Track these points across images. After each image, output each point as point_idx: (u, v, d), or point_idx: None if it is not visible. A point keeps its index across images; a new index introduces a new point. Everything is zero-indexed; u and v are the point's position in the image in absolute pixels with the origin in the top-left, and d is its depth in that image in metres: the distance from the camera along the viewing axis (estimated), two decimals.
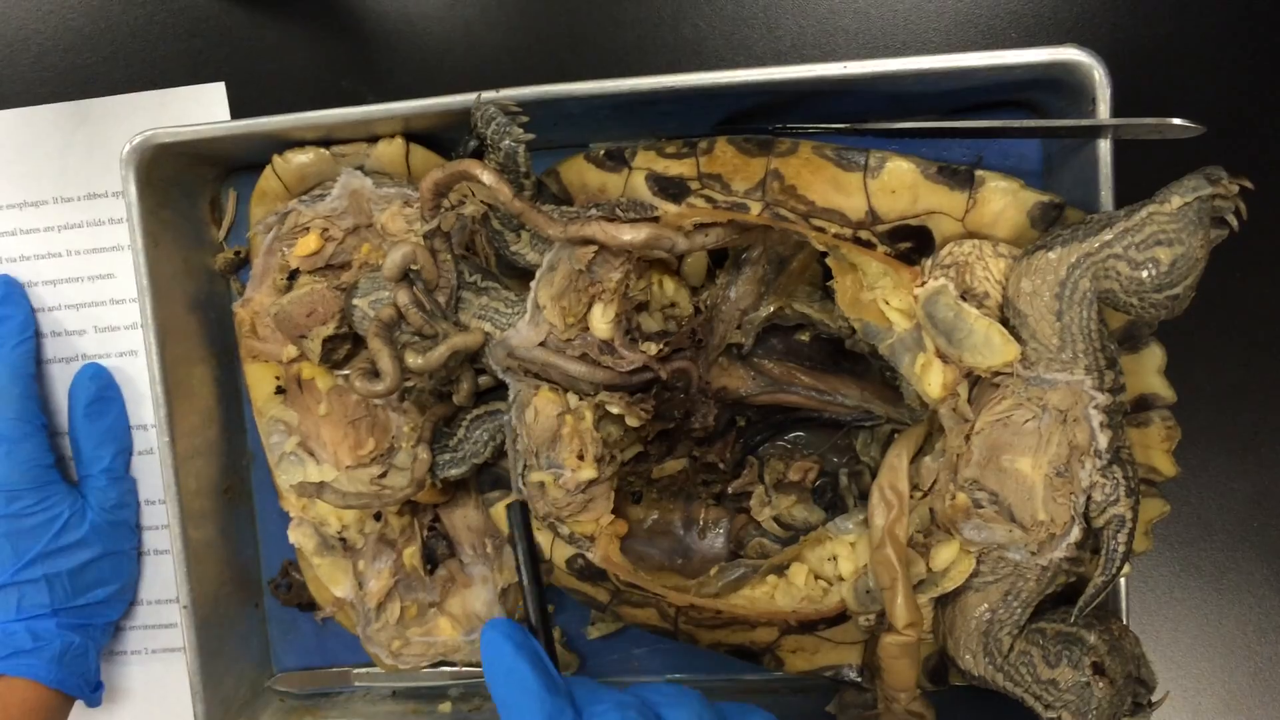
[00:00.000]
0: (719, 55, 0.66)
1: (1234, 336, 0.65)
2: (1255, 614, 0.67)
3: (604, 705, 0.42)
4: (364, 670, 0.70)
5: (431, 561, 0.67)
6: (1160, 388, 0.54)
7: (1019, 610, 0.53)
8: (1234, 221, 0.48)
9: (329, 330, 0.62)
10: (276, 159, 0.63)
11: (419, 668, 0.68)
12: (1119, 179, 0.55)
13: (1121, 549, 0.50)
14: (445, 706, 0.69)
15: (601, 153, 0.57)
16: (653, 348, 0.55)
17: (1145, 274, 0.48)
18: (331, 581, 0.67)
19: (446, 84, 0.61)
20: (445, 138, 0.62)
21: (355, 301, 0.59)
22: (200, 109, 0.70)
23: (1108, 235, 0.49)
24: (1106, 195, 0.55)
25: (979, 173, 0.52)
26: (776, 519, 0.61)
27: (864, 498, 0.57)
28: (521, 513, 0.53)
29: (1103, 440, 0.50)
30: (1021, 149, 0.62)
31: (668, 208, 0.54)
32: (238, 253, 0.68)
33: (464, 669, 0.68)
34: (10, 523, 0.65)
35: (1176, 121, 0.51)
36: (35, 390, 0.69)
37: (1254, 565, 0.67)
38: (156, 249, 0.63)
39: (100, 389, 0.70)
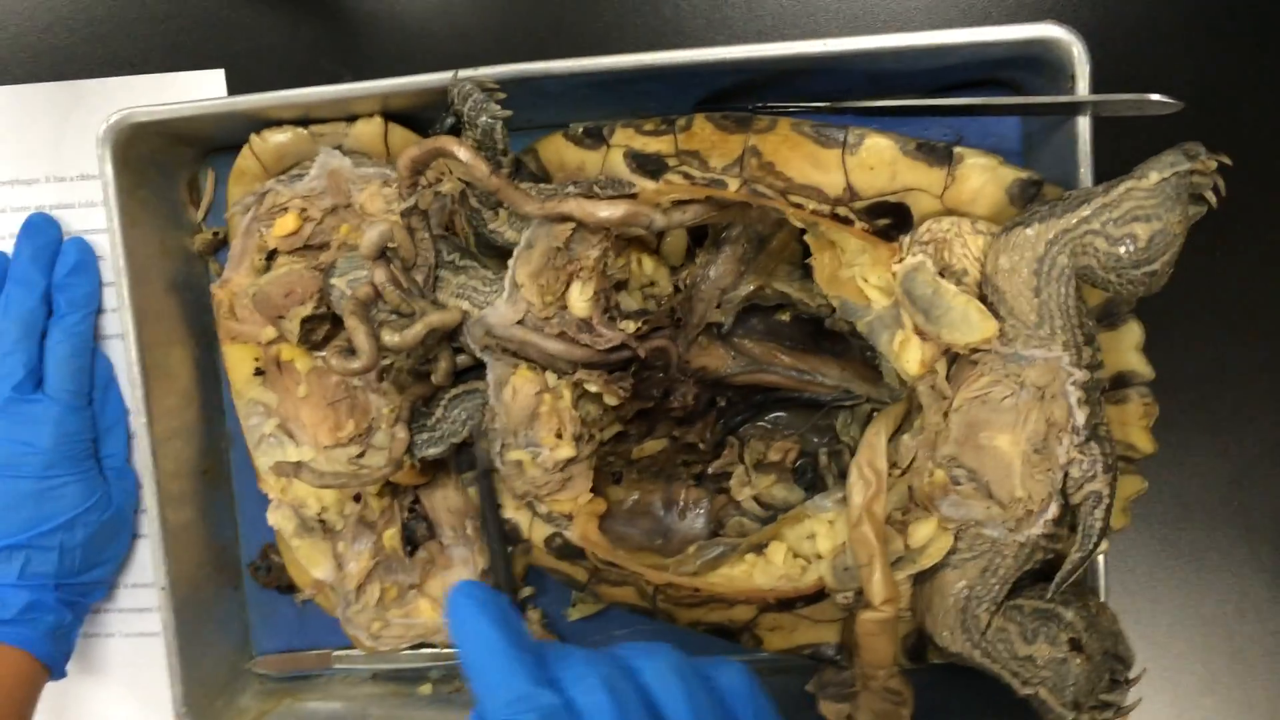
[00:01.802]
0: (699, 34, 0.66)
1: (1214, 316, 0.65)
2: (1234, 594, 0.67)
3: (573, 660, 0.41)
4: (344, 652, 0.70)
5: (411, 543, 0.67)
6: (1138, 365, 0.54)
7: (996, 587, 0.53)
8: (1212, 199, 0.48)
9: (307, 310, 0.61)
10: (254, 138, 0.62)
11: (399, 649, 0.67)
12: (1098, 157, 0.55)
13: (1099, 525, 0.50)
14: (425, 688, 0.68)
15: (580, 130, 0.56)
16: (631, 326, 0.55)
17: (1123, 250, 0.48)
18: (311, 563, 0.67)
19: (426, 64, 0.61)
20: (424, 117, 0.62)
21: (333, 281, 0.59)
22: (199, 95, 0.70)
23: (1085, 211, 0.49)
24: (1085, 173, 0.55)
25: (957, 149, 0.52)
26: (756, 499, 0.61)
27: (844, 477, 0.57)
28: (485, 481, 0.53)
29: (1080, 416, 0.50)
30: (1001, 128, 0.62)
31: (645, 184, 0.54)
32: (216, 234, 0.68)
33: (444, 650, 0.68)
34: (40, 484, 0.65)
35: (1155, 97, 0.52)
36: (89, 365, 0.68)
37: (1234, 545, 0.67)
38: (134, 229, 0.63)
39: (108, 373, 0.69)
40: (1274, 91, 0.64)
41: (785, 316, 0.61)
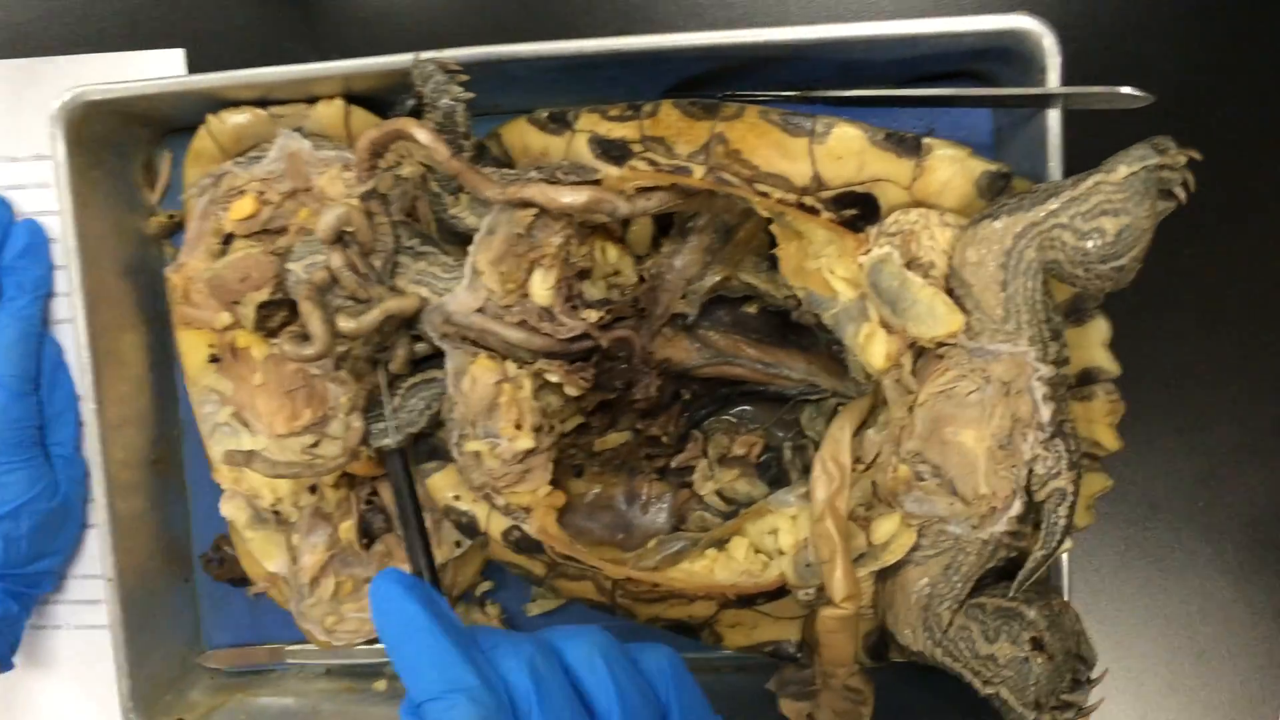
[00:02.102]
0: (669, 20, 0.65)
1: (1182, 314, 0.65)
2: (1199, 595, 0.67)
3: (499, 643, 0.41)
4: (297, 647, 0.68)
5: (368, 536, 0.65)
6: (1104, 361, 0.54)
7: (959, 585, 0.52)
8: (1181, 194, 0.48)
9: (263, 296, 0.60)
10: (211, 119, 0.61)
11: (353, 644, 0.66)
12: (1069, 152, 0.55)
13: (1062, 522, 0.50)
14: (380, 684, 0.67)
15: (545, 115, 0.55)
16: (594, 315, 0.54)
17: (1090, 244, 0.48)
18: (264, 556, 0.65)
19: (390, 47, 0.60)
20: (387, 100, 0.60)
21: (290, 265, 0.57)
22: (157, 75, 0.68)
23: (1054, 205, 0.48)
24: (1055, 166, 0.54)
25: (926, 140, 0.51)
26: (719, 493, 0.61)
27: (808, 471, 0.56)
28: (400, 459, 0.53)
29: (1045, 412, 0.49)
30: (972, 121, 0.61)
31: (609, 171, 0.53)
32: (171, 216, 0.66)
33: None
34: None
35: (1125, 90, 0.51)
36: (36, 350, 0.66)
37: (1199, 545, 0.67)
38: (86, 211, 0.61)
39: (56, 357, 0.68)
40: (1246, 89, 0.64)
41: (752, 309, 0.60)
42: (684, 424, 0.62)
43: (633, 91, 0.59)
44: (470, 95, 0.53)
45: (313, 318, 0.53)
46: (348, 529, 0.65)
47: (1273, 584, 0.67)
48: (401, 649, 0.41)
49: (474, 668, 0.39)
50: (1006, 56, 0.56)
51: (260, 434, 0.64)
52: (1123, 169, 0.47)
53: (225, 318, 0.63)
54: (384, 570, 0.43)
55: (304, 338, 0.53)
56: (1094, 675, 0.53)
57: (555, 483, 0.58)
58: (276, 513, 0.64)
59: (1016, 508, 0.50)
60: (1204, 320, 0.65)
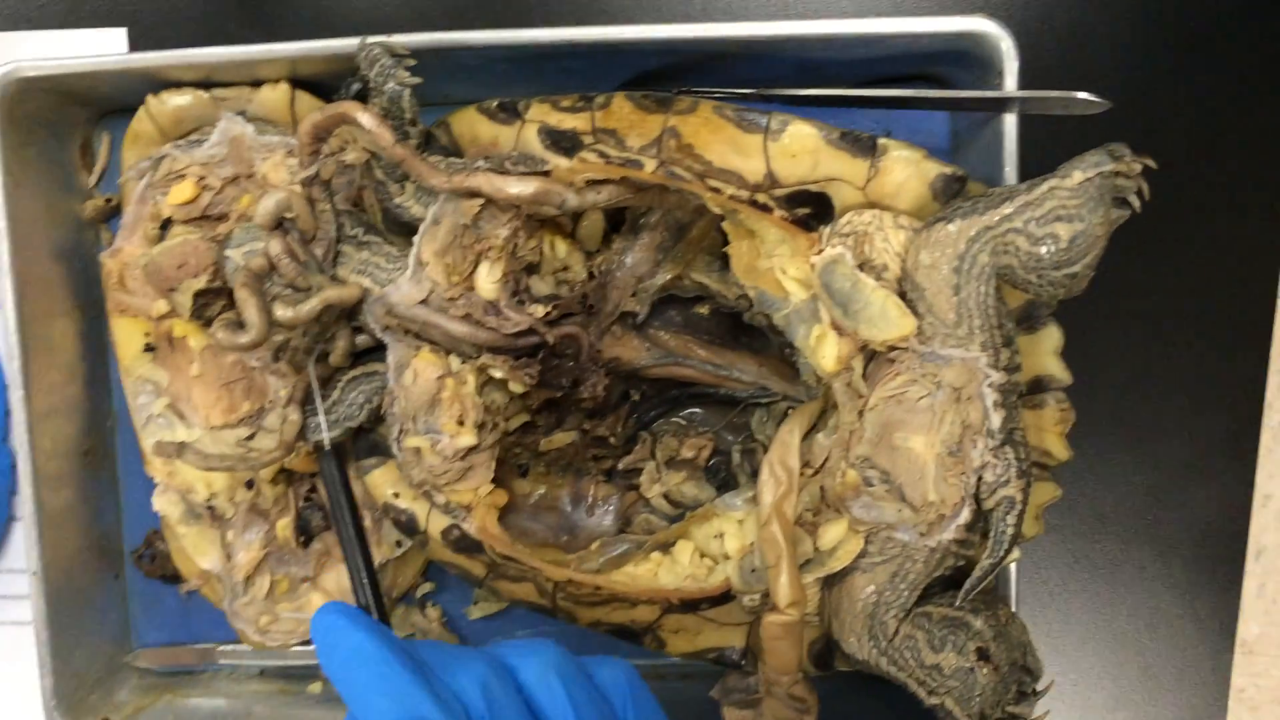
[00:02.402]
0: (626, 13, 0.64)
1: (1136, 327, 0.65)
2: (1147, 609, 0.66)
3: (449, 661, 0.39)
4: (230, 647, 0.66)
5: (306, 534, 0.64)
6: (1056, 369, 0.53)
7: (906, 592, 0.51)
8: (1136, 203, 0.47)
9: (201, 284, 0.58)
10: (151, 99, 0.59)
11: (288, 645, 0.64)
12: (1025, 158, 0.54)
13: (1010, 531, 0.49)
14: (315, 687, 0.65)
15: (494, 104, 0.54)
16: (540, 310, 0.53)
17: (1044, 250, 0.47)
18: (198, 552, 0.63)
19: (339, 31, 0.59)
20: (334, 86, 0.58)
21: (228, 252, 0.55)
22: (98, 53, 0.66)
23: (1008, 209, 0.47)
24: (1010, 172, 0.54)
25: (882, 141, 0.50)
26: (667, 496, 0.59)
27: (756, 475, 0.55)
28: (337, 464, 0.52)
29: (996, 420, 0.49)
30: (929, 125, 0.61)
31: (559, 162, 0.51)
32: (108, 200, 0.64)
33: None
34: None
35: (1082, 95, 0.51)
36: None
37: (1147, 560, 0.66)
38: (19, 191, 0.59)
39: None
40: (1200, 101, 0.64)
41: (704, 310, 0.59)
42: (632, 425, 0.61)
43: (587, 85, 0.58)
44: (417, 80, 0.51)
45: (248, 305, 0.51)
46: (285, 526, 0.63)
47: (1220, 600, 0.66)
48: (351, 680, 0.39)
49: (428, 693, 0.38)
50: (964, 60, 0.55)
51: (196, 427, 0.62)
52: (1078, 174, 0.46)
53: (161, 306, 0.61)
54: (324, 605, 0.42)
55: (239, 326, 0.52)
56: (1040, 687, 0.53)
57: (498, 482, 0.56)
58: (211, 508, 0.62)
59: (965, 515, 0.50)
60: (1156, 333, 0.65)
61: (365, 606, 0.52)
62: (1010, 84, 0.53)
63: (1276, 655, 0.68)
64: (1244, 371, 0.65)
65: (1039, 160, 0.52)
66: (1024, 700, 0.52)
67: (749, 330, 0.59)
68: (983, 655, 0.50)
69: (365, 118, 0.49)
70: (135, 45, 0.66)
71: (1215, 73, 0.64)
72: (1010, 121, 0.53)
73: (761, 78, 0.58)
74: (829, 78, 0.58)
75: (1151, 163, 0.46)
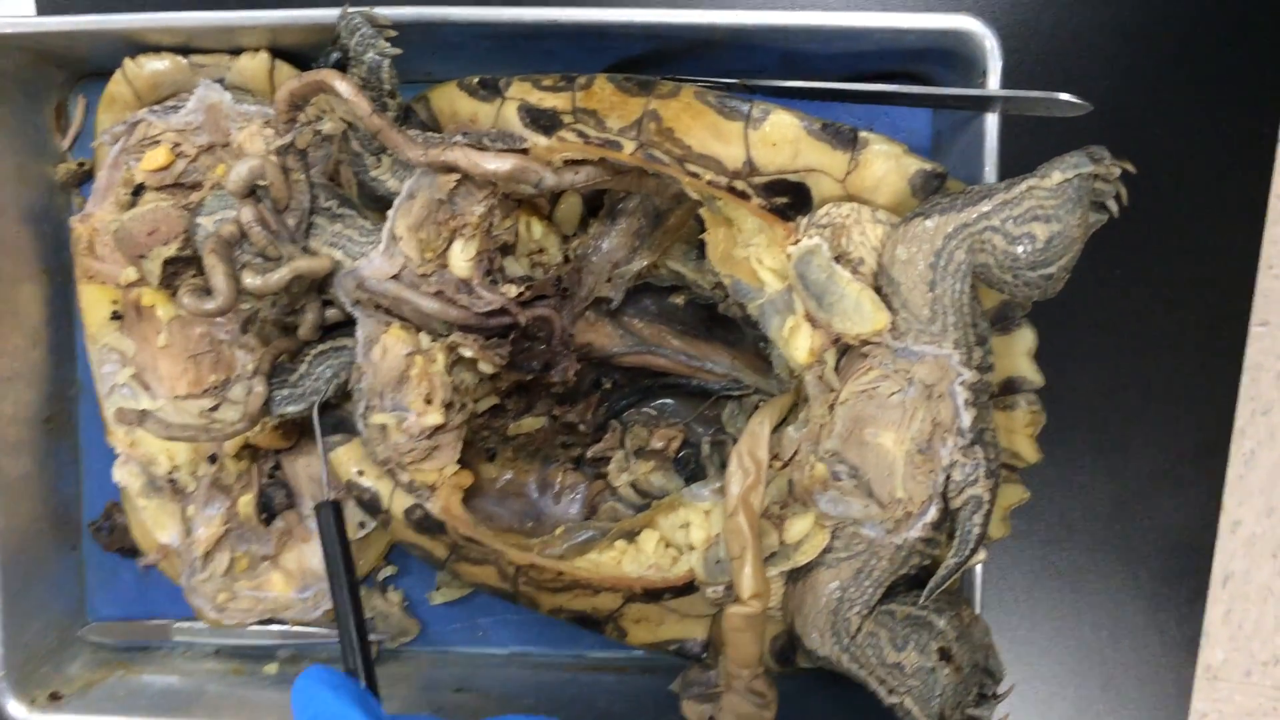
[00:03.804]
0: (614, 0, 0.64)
1: (1110, 336, 0.65)
2: (1110, 620, 0.66)
3: None
4: (186, 624, 0.65)
5: (269, 511, 0.63)
6: (1028, 371, 0.53)
7: (870, 589, 0.51)
8: (1114, 208, 0.47)
9: (171, 251, 0.57)
10: (128, 62, 0.58)
11: (245, 624, 0.63)
12: (1006, 160, 0.54)
13: (976, 530, 0.49)
14: (271, 668, 0.64)
15: (475, 81, 0.54)
16: (513, 290, 0.52)
17: (1021, 249, 0.47)
18: (157, 526, 0.62)
19: (322, 2, 0.58)
20: (315, 57, 0.58)
21: (199, 220, 0.54)
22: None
23: (986, 207, 0.47)
24: (990, 171, 0.54)
25: (863, 134, 0.50)
26: (634, 486, 0.59)
27: (725, 467, 0.55)
28: (334, 516, 0.49)
29: (966, 419, 0.48)
30: (911, 123, 0.61)
31: (538, 140, 0.51)
32: (81, 164, 0.63)
33: (294, 629, 0.64)
34: None
35: (1064, 97, 0.51)
36: None
37: (1113, 570, 0.66)
38: None
39: None
40: (1180, 111, 0.64)
41: (679, 299, 0.59)
42: (603, 413, 0.60)
43: (571, 69, 0.57)
44: (397, 51, 0.51)
45: (216, 271, 0.50)
46: (247, 503, 0.62)
47: (1184, 612, 0.66)
48: None
49: None
50: (947, 59, 0.55)
51: (160, 398, 0.61)
52: (1057, 175, 0.46)
53: (131, 273, 0.60)
54: (308, 669, 0.40)
55: (206, 292, 0.51)
56: (1001, 691, 0.52)
57: (465, 464, 0.56)
58: (172, 481, 0.62)
59: (932, 514, 0.49)
60: (1130, 343, 0.65)
61: (352, 671, 0.50)
62: (994, 83, 0.53)
63: (1240, 681, 0.68)
64: (1215, 384, 0.65)
65: (1019, 162, 0.52)
66: (984, 703, 0.52)
67: (724, 322, 0.59)
68: (945, 655, 0.50)
69: (343, 86, 0.48)
70: (43, 9, 0.65)
71: (1197, 81, 0.64)
72: (992, 121, 0.53)
73: (746, 69, 0.58)
74: (814, 72, 0.58)
75: (1130, 167, 0.46)
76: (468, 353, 0.52)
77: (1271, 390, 0.67)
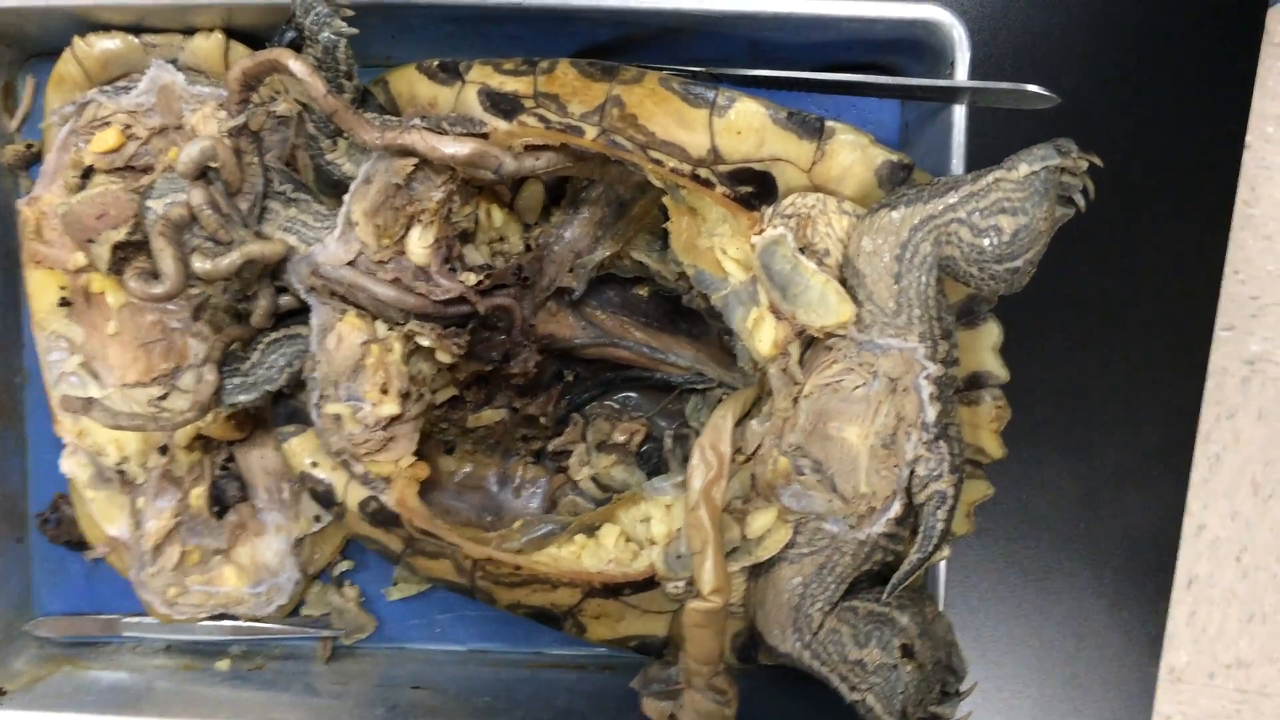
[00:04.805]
0: None
1: (1075, 332, 0.65)
2: (1075, 618, 0.66)
3: None
4: (135, 619, 0.64)
5: (221, 504, 0.61)
6: (994, 366, 0.53)
7: (833, 585, 0.50)
8: (1081, 202, 0.47)
9: (120, 236, 0.55)
10: (77, 41, 0.57)
11: (196, 619, 0.62)
12: (973, 153, 0.54)
13: (940, 526, 0.48)
14: (223, 664, 0.63)
15: (435, 64, 0.52)
16: (472, 279, 0.51)
17: (987, 242, 0.46)
18: (106, 518, 0.61)
19: None
20: (271, 38, 0.57)
21: (149, 203, 0.53)
22: None
23: (952, 199, 0.47)
24: (958, 163, 0.53)
25: (829, 123, 0.49)
26: (595, 480, 0.58)
27: (688, 461, 0.54)
28: None
29: (931, 413, 0.48)
30: (879, 115, 0.60)
31: (498, 125, 0.50)
32: (30, 146, 0.61)
33: (247, 624, 0.63)
34: None
35: (1032, 88, 0.50)
36: None
37: (1078, 568, 0.66)
38: None
39: None
40: (1147, 107, 0.64)
41: (643, 291, 0.58)
42: (564, 406, 0.59)
43: (534, 54, 0.57)
44: (353, 31, 0.49)
45: (164, 255, 0.49)
46: (199, 495, 0.61)
47: (1148, 611, 0.66)
48: None
49: None
50: (916, 50, 0.55)
51: (110, 388, 0.59)
52: (1024, 167, 0.46)
53: (79, 258, 0.58)
54: None
55: (153, 276, 0.49)
56: (964, 688, 0.52)
57: (422, 456, 0.55)
58: (122, 472, 0.60)
59: (896, 509, 0.49)
60: (1095, 340, 0.65)
61: None
62: (962, 74, 0.52)
63: (1204, 684, 0.68)
64: (1181, 381, 0.65)
65: (987, 154, 0.52)
66: (947, 700, 0.51)
67: (687, 315, 0.58)
68: (907, 652, 0.50)
69: (297, 65, 0.47)
70: None
71: (1166, 76, 0.64)
72: (960, 113, 0.53)
73: (713, 57, 0.57)
74: (781, 61, 0.57)
75: (1097, 160, 0.46)
76: (425, 342, 0.51)
77: (1236, 395, 0.67)
